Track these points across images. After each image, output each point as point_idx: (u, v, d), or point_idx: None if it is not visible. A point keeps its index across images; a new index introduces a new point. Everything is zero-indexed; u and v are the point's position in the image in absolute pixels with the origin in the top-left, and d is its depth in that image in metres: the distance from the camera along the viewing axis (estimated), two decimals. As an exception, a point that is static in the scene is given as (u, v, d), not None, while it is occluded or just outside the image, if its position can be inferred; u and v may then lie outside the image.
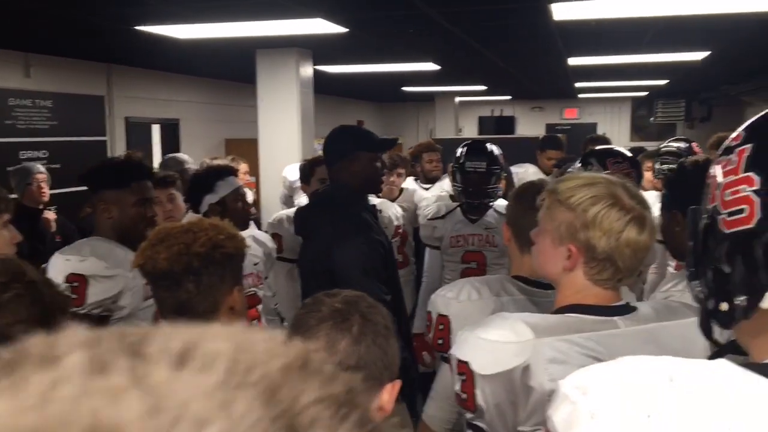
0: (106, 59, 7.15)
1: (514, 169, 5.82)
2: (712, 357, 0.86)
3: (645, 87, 11.97)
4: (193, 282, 1.42)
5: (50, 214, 4.36)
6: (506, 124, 15.28)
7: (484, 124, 15.68)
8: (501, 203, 3.63)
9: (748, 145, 0.80)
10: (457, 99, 12.83)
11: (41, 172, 4.35)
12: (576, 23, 4.90)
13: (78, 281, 2.10)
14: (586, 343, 1.32)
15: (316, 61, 6.76)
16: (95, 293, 2.13)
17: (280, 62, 6.15)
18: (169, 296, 1.45)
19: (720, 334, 0.89)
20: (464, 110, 14.50)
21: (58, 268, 2.15)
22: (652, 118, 14.42)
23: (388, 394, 1.20)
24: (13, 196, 4.36)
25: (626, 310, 1.40)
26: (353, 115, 14.31)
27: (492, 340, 1.35)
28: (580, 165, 3.01)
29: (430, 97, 12.68)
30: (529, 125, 14.97)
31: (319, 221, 2.68)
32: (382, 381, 1.20)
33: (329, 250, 2.54)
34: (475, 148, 3.62)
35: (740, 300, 0.78)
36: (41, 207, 4.30)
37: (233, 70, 7.81)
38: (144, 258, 1.43)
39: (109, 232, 2.26)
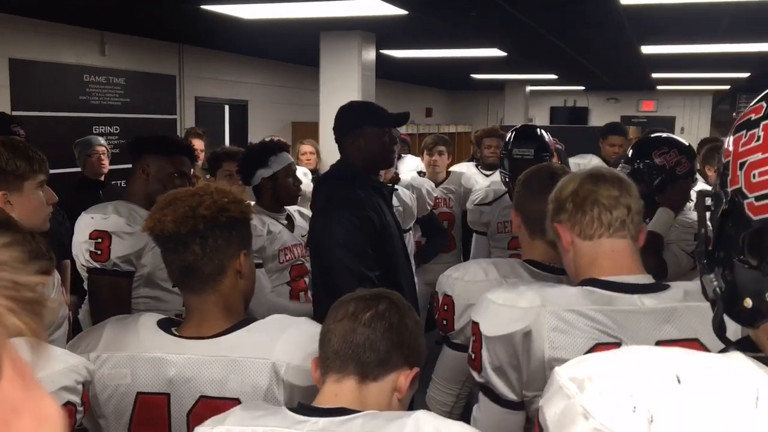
0: (177, 39, 7.36)
1: (575, 159, 5.68)
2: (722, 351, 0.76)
3: (726, 80, 11.44)
4: (199, 244, 1.45)
5: None
6: (579, 115, 14.92)
7: (555, 114, 15.36)
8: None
9: None
10: (528, 88, 12.60)
11: (101, 144, 4.53)
12: (645, 7, 4.72)
13: (102, 237, 2.21)
14: (596, 316, 1.33)
15: (381, 45, 6.77)
16: (118, 249, 2.22)
17: (343, 45, 6.18)
18: (176, 258, 1.48)
19: (734, 334, 0.79)
20: (535, 99, 14.24)
21: (83, 225, 2.27)
22: (734, 113, 13.79)
23: (404, 378, 1.23)
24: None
25: (654, 288, 1.38)
26: (422, 101, 14.26)
27: (499, 304, 1.42)
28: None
29: (500, 86, 12.49)
30: (604, 117, 14.48)
31: (317, 196, 2.68)
32: (397, 365, 1.23)
33: (314, 223, 2.60)
34: (524, 133, 3.53)
35: None
36: (102, 179, 4.48)
37: (299, 53, 7.90)
38: (153, 221, 1.47)
39: (139, 196, 2.35)
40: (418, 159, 5.35)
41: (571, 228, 1.44)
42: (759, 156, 0.70)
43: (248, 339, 1.44)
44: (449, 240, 4.12)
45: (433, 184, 4.17)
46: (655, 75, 10.59)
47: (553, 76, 11.12)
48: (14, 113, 5.43)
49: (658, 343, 1.31)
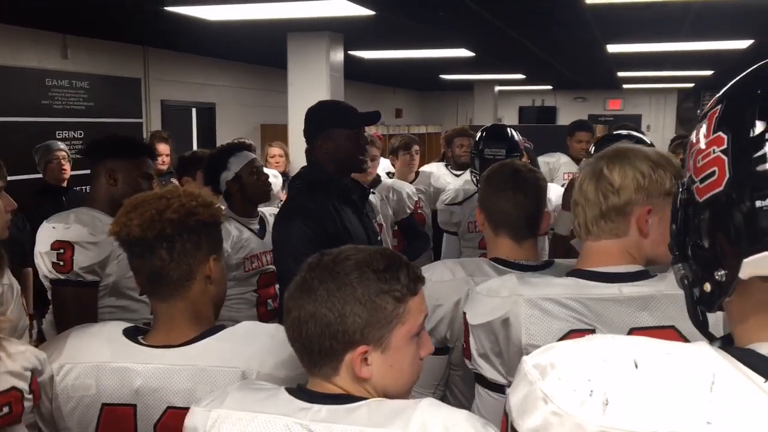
0: (142, 42, 7.25)
1: (544, 158, 5.71)
2: None
3: (691, 78, 11.64)
4: (167, 249, 1.40)
5: None
6: (547, 114, 15.07)
7: (524, 113, 15.49)
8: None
9: (719, 107, 0.75)
10: (497, 88, 12.68)
11: (61, 149, 4.44)
12: (609, 6, 4.77)
13: (63, 247, 2.14)
14: (572, 304, 1.37)
15: (350, 47, 6.75)
16: (81, 259, 2.16)
17: (311, 46, 6.15)
18: (142, 264, 1.43)
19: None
20: (504, 99, 14.34)
21: (45, 235, 2.19)
22: (699, 110, 14.03)
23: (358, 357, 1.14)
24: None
25: (639, 276, 1.41)
26: (392, 102, 14.27)
27: (483, 294, 1.48)
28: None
29: (469, 86, 12.55)
30: (572, 116, 14.55)
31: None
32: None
33: (272, 230, 2.58)
34: (495, 133, 3.53)
35: (720, 275, 0.71)
36: (64, 185, 4.39)
37: (267, 55, 7.85)
38: (119, 225, 1.43)
39: (103, 202, 2.28)
40: (387, 161, 5.32)
41: None
42: (702, 142, 0.75)
43: (217, 347, 1.40)
44: (429, 242, 4.10)
45: (413, 188, 4.14)
46: (621, 74, 10.73)
47: (521, 76, 11.21)
48: (-27, 119, 5.30)
49: (632, 330, 1.34)
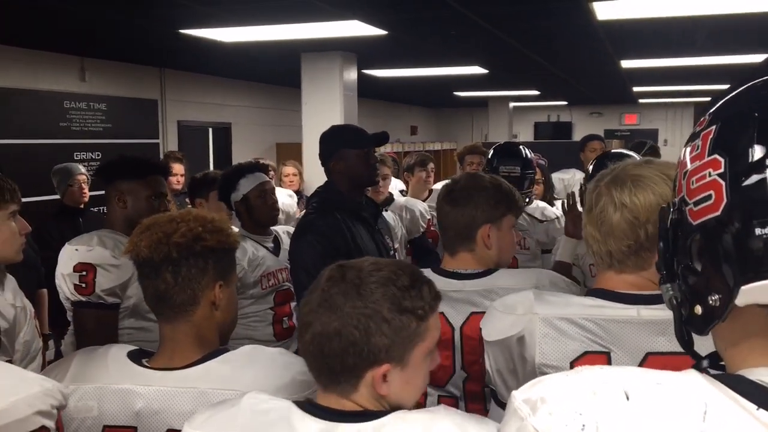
0: (158, 63, 7.36)
1: (559, 174, 5.69)
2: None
3: (707, 92, 11.56)
4: (171, 273, 1.42)
5: None
6: (563, 129, 15.02)
7: (540, 129, 15.44)
8: (533, 207, 3.56)
9: (713, 127, 0.73)
10: (512, 104, 12.68)
11: (82, 173, 4.48)
12: (621, 22, 4.76)
13: (86, 269, 2.16)
14: (587, 325, 1.34)
15: (363, 65, 6.79)
16: (103, 282, 2.17)
17: (324, 65, 6.20)
18: (149, 285, 1.45)
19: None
20: (519, 115, 14.32)
21: (67, 257, 2.21)
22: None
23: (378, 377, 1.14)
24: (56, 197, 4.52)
25: (659, 299, 1.36)
26: (407, 120, 14.31)
27: (500, 310, 1.46)
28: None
29: (483, 102, 12.57)
30: (587, 131, 14.44)
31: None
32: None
33: (289, 247, 2.75)
34: (509, 151, 3.53)
35: (714, 299, 0.70)
36: (82, 206, 4.43)
37: (282, 75, 7.92)
38: (131, 245, 1.45)
39: (120, 223, 2.30)
40: (398, 181, 5.32)
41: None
42: (697, 163, 0.73)
43: (218, 370, 1.40)
44: (440, 260, 4.09)
45: (425, 206, 4.14)
46: (636, 89, 10.69)
47: (536, 92, 11.20)
48: (-7, 142, 5.38)
49: (648, 354, 1.31)
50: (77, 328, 2.25)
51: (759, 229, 0.65)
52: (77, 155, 6.35)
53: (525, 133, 15.01)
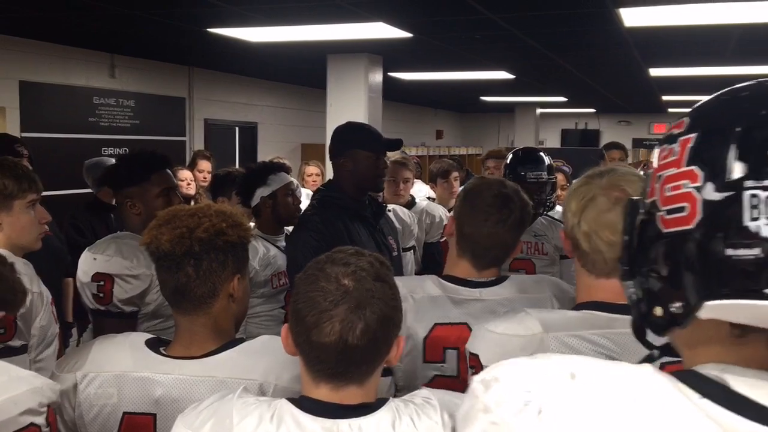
0: (187, 62, 7.45)
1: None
2: (643, 361, 0.78)
3: (738, 102, 11.38)
4: (193, 266, 1.43)
5: None
6: (591, 137, 14.88)
7: (567, 136, 15.33)
8: (556, 211, 3.54)
9: (693, 135, 0.71)
10: (539, 110, 12.62)
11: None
12: (649, 29, 4.72)
13: (104, 280, 2.13)
14: (599, 340, 1.33)
15: (390, 68, 6.81)
16: (121, 292, 2.14)
17: (350, 67, 6.23)
18: (169, 278, 1.46)
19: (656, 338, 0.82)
20: (546, 122, 14.24)
21: (86, 265, 2.18)
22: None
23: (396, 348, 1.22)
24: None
25: None
26: (432, 123, 14.30)
27: (499, 333, 1.40)
28: None
29: (510, 108, 12.52)
30: (615, 140, 14.47)
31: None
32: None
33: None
34: (533, 156, 3.52)
35: (675, 307, 0.70)
36: (114, 203, 4.45)
37: (308, 76, 7.97)
38: (150, 237, 1.46)
39: (139, 228, 2.23)
40: (426, 187, 5.31)
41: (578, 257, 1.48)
42: (673, 171, 0.71)
43: (236, 359, 1.42)
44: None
45: (446, 211, 4.14)
46: (665, 97, 10.56)
47: (564, 99, 11.13)
48: (23, 135, 5.49)
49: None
50: (96, 332, 2.22)
51: (730, 250, 0.64)
52: (105, 150, 6.46)
53: (552, 140, 14.91)
